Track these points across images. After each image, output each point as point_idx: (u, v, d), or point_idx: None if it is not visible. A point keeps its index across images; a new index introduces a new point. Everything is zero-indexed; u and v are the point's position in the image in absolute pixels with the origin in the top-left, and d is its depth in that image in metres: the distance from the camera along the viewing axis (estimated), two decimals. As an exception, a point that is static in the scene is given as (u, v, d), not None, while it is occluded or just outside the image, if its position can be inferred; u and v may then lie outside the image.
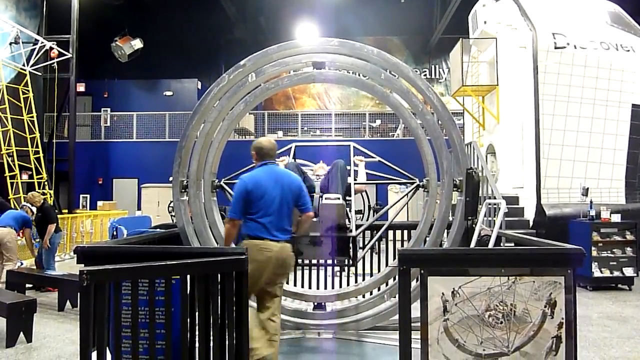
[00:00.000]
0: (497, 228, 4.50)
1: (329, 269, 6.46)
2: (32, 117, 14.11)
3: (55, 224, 7.99)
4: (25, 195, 13.06)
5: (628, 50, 9.74)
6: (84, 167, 16.97)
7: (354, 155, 5.36)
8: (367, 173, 5.43)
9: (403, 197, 5.19)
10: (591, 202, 8.20)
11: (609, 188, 9.19)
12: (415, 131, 4.54)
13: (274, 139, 5.17)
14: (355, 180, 5.10)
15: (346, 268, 6.37)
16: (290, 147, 5.62)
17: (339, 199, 4.29)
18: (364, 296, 5.25)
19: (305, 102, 22.92)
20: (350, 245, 4.44)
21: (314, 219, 4.18)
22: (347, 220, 4.43)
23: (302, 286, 6.24)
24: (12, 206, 10.89)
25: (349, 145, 5.53)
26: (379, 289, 5.16)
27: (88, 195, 17.39)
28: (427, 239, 4.68)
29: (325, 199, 4.33)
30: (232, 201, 3.82)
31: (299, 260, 5.14)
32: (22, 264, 9.44)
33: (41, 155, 14.30)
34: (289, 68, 4.50)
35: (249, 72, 4.33)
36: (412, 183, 4.90)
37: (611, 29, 10.16)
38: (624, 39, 9.97)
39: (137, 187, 17.01)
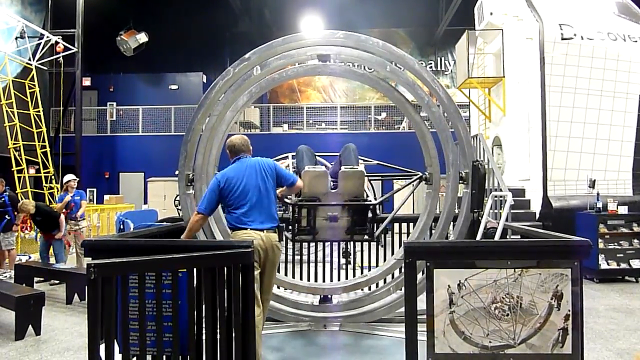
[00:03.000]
0: (503, 220, 4.48)
1: (335, 261, 6.48)
2: (39, 111, 14.19)
3: (61, 218, 7.96)
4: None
5: (636, 41, 9.63)
6: (91, 161, 17.07)
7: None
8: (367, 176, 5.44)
9: (402, 188, 5.20)
10: (598, 194, 8.15)
11: (616, 180, 9.14)
12: (419, 126, 4.53)
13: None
14: None
15: (351, 260, 6.40)
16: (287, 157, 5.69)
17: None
18: (369, 289, 5.26)
19: (311, 95, 22.87)
20: (370, 215, 4.39)
21: (333, 191, 4.25)
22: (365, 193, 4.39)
23: (308, 279, 6.27)
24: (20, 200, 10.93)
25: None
26: (384, 282, 5.17)
27: (95, 189, 17.47)
28: (433, 231, 4.68)
29: (345, 169, 4.33)
30: (203, 196, 3.95)
31: (304, 258, 5.17)
32: (29, 257, 9.54)
33: (48, 149, 14.39)
34: (294, 61, 4.47)
35: (254, 65, 4.31)
36: (415, 176, 4.89)
37: (618, 20, 10.05)
38: (632, 29, 9.86)
39: (144, 180, 17.06)
